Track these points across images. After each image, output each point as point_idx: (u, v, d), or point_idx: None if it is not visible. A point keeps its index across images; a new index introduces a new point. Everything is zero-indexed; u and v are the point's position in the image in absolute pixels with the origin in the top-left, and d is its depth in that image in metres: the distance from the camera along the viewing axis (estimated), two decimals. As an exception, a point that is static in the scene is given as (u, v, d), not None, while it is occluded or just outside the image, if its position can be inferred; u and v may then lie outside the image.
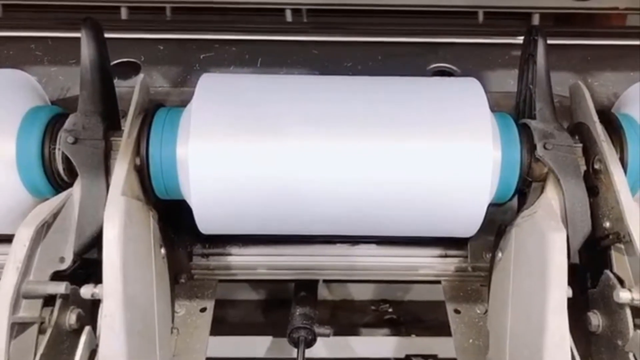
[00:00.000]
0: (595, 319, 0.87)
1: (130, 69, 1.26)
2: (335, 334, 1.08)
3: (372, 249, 1.12)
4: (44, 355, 0.80)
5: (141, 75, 1.03)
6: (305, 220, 0.93)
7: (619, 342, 0.83)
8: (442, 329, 1.14)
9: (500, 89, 1.23)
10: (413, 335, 1.55)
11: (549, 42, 0.96)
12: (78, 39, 0.92)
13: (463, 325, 1.06)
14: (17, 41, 1.29)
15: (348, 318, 1.64)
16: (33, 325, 0.81)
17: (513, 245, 0.93)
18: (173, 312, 1.03)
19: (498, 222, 1.00)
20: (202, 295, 1.09)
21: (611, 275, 0.86)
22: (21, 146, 0.91)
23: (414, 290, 1.65)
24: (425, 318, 1.61)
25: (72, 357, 0.80)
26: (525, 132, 0.93)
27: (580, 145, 0.95)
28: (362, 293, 1.67)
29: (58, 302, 0.83)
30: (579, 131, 0.97)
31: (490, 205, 0.93)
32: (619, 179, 0.88)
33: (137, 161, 0.90)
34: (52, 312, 0.83)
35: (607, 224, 0.89)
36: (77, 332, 0.84)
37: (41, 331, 0.82)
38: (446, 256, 1.12)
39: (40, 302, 0.82)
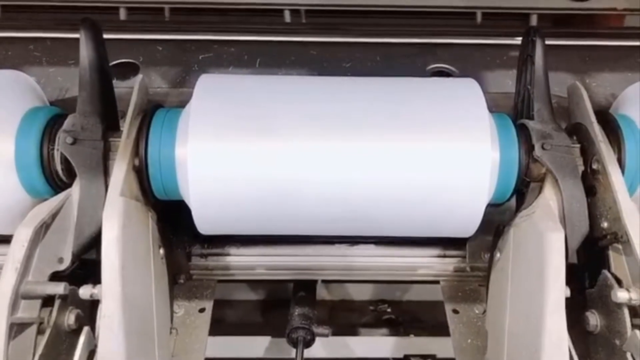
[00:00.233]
0: (593, 319, 0.88)
1: (129, 70, 1.26)
2: (334, 334, 1.08)
3: (371, 249, 1.12)
4: (43, 356, 0.80)
5: (140, 76, 1.03)
6: (304, 220, 0.93)
7: (617, 342, 0.83)
8: (440, 329, 1.15)
9: (498, 89, 1.23)
10: (411, 335, 1.55)
11: (547, 42, 0.96)
12: (77, 39, 0.92)
13: (461, 325, 1.06)
14: (15, 42, 1.29)
15: (347, 318, 1.65)
16: (32, 325, 0.81)
17: (511, 245, 0.93)
18: (172, 312, 1.04)
19: (496, 222, 1.00)
20: (200, 296, 1.09)
21: (609, 275, 0.86)
22: (20, 147, 0.91)
23: (413, 290, 1.65)
24: (423, 318, 1.61)
25: (71, 358, 0.80)
26: (524, 133, 0.93)
27: (578, 145, 0.95)
28: (360, 293, 1.67)
29: (57, 302, 0.83)
30: (577, 131, 0.97)
31: (489, 205, 0.93)
32: (617, 179, 0.88)
33: (136, 162, 0.90)
34: (50, 312, 0.83)
35: (605, 224, 0.89)
36: (76, 333, 0.84)
37: (40, 332, 0.82)
38: (445, 256, 1.12)
39: (39, 302, 0.82)
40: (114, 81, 1.03)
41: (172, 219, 1.02)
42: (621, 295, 0.81)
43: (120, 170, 0.87)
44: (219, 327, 1.12)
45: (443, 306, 1.10)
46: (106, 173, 0.89)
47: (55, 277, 0.86)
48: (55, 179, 0.93)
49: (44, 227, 0.84)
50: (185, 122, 0.89)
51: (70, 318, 0.85)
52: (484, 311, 1.06)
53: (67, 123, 0.90)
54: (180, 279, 1.07)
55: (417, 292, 1.64)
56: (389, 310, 1.66)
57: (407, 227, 0.96)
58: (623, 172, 0.92)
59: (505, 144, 0.92)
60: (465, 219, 0.93)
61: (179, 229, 1.05)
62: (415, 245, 1.12)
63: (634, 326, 0.81)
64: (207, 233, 0.97)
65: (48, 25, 1.34)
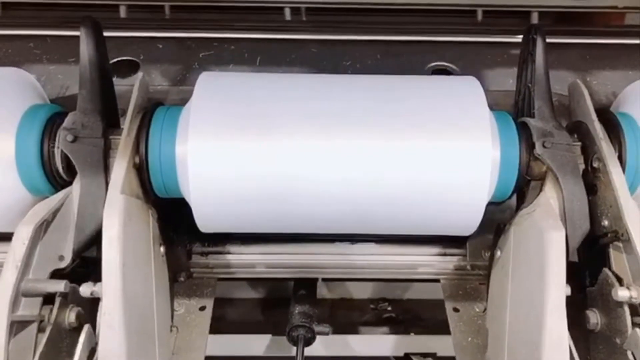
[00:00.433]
0: (594, 317, 0.88)
1: (130, 68, 1.26)
2: (334, 332, 1.08)
3: (371, 247, 1.12)
4: (44, 354, 0.80)
5: (140, 74, 1.03)
6: (305, 218, 0.93)
7: (617, 340, 0.83)
8: (441, 328, 1.15)
9: (499, 87, 1.23)
10: (412, 334, 1.55)
11: (547, 40, 0.96)
12: (77, 37, 0.92)
13: (462, 324, 1.06)
14: (16, 39, 1.29)
15: (347, 316, 1.65)
16: (32, 323, 0.81)
17: (512, 243, 0.93)
18: (172, 310, 1.04)
19: (497, 220, 1.00)
20: (201, 294, 1.09)
21: (609, 273, 0.86)
22: (20, 145, 0.91)
23: (413, 288, 1.65)
24: (424, 316, 1.61)
25: (72, 356, 0.80)
26: (524, 131, 0.93)
27: (579, 143, 0.95)
28: (361, 291, 1.67)
29: (57, 300, 0.83)
30: (578, 130, 0.97)
31: (489, 203, 0.93)
32: (618, 178, 0.88)
33: (137, 159, 0.90)
34: (51, 310, 0.83)
35: (606, 223, 0.89)
36: (77, 331, 0.84)
37: (40, 329, 0.82)
38: (445, 255, 1.12)
39: (39, 300, 0.82)
40: (115, 79, 1.03)
41: (172, 217, 1.02)
42: (622, 293, 0.81)
43: (120, 168, 0.87)
44: (219, 325, 1.12)
45: (443, 304, 1.10)
46: (107, 171, 0.89)
47: (56, 274, 0.86)
48: (56, 177, 0.93)
49: (44, 225, 0.84)
50: (186, 120, 0.89)
51: (70, 316, 0.85)
52: (485, 309, 1.06)
53: (68, 121, 0.90)
54: (180, 277, 1.07)
55: (417, 290, 1.64)
56: (389, 308, 1.66)
57: (408, 226, 0.96)
58: (624, 170, 0.92)
59: (505, 142, 0.92)
60: (466, 217, 0.93)
61: (179, 227, 1.05)
62: (415, 244, 1.12)
63: (634, 324, 0.81)
64: (208, 231, 0.97)
65: (48, 23, 1.34)
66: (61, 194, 0.89)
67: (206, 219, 0.93)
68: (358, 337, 1.54)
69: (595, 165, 0.92)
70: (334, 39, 1.34)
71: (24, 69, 1.05)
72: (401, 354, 1.44)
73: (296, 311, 1.09)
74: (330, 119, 0.90)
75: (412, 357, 1.42)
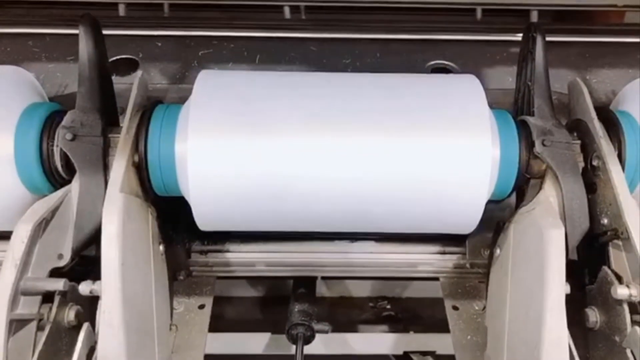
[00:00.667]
0: (593, 315, 0.88)
1: (129, 66, 1.26)
2: (334, 330, 1.08)
3: (371, 245, 1.12)
4: (43, 352, 0.80)
5: (139, 72, 1.03)
6: (304, 217, 0.93)
7: (617, 338, 0.83)
8: (440, 326, 1.15)
9: (498, 85, 1.23)
10: (411, 332, 1.55)
11: (547, 39, 0.96)
12: (76, 35, 0.92)
13: (461, 322, 1.06)
14: (14, 38, 1.29)
15: (346, 315, 1.65)
16: (31, 322, 0.81)
17: (511, 242, 0.93)
18: (171, 308, 1.04)
19: (496, 218, 1.00)
20: (200, 292, 1.09)
21: (609, 271, 0.86)
22: (19, 143, 0.90)
23: (412, 287, 1.65)
24: (423, 315, 1.61)
25: (71, 354, 0.80)
26: (524, 129, 0.93)
27: (579, 142, 0.95)
28: (360, 290, 1.67)
29: (56, 298, 0.83)
30: (578, 128, 0.97)
31: (489, 201, 0.93)
32: (617, 176, 0.88)
33: (136, 158, 0.90)
34: (50, 308, 0.83)
35: (605, 221, 0.89)
36: (76, 329, 0.83)
37: (40, 328, 0.82)
38: (444, 253, 1.12)
39: (38, 298, 0.82)
40: (114, 77, 1.03)
41: (172, 215, 1.02)
42: (621, 291, 0.81)
43: (119, 166, 0.86)
44: (218, 324, 1.12)
45: (443, 303, 1.10)
46: (106, 169, 0.89)
47: (55, 273, 0.86)
48: (55, 175, 0.93)
49: (43, 224, 0.84)
50: (185, 118, 0.89)
51: (70, 314, 0.85)
52: (484, 308, 1.06)
53: (67, 119, 0.90)
54: (180, 276, 1.07)
55: (416, 288, 1.64)
56: (388, 306, 1.67)
57: (407, 224, 0.96)
58: (623, 168, 0.92)
59: (505, 140, 0.92)
60: (466, 215, 0.93)
61: (178, 226, 1.05)
62: (415, 242, 1.12)
63: (633, 322, 0.81)
64: (207, 229, 0.97)
65: (47, 21, 1.34)
66: (60, 192, 0.89)
67: (205, 218, 0.93)
68: (357, 335, 1.54)
69: (594, 163, 0.92)
70: (333, 37, 1.34)
71: (23, 67, 1.05)
72: (400, 352, 1.44)
73: (295, 309, 1.09)
74: (330, 117, 0.90)
75: (412, 355, 1.42)
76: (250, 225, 0.98)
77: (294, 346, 1.05)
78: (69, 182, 0.91)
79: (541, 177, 0.93)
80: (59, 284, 0.82)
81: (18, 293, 0.78)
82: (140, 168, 0.90)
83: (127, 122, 0.91)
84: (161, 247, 0.96)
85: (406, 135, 0.89)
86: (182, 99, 0.95)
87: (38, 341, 0.81)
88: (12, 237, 0.81)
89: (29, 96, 0.98)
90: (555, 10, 1.50)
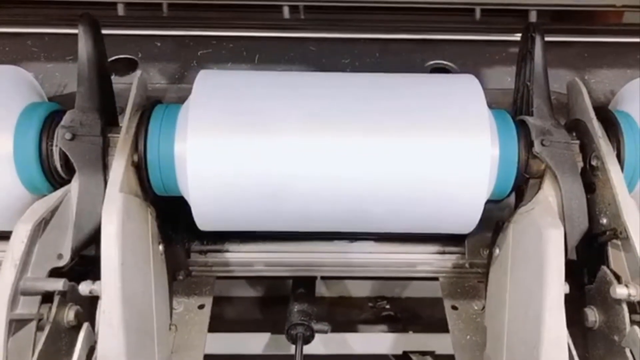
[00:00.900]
0: (592, 315, 0.88)
1: (128, 66, 1.26)
2: (333, 330, 1.08)
3: (370, 245, 1.12)
4: (42, 352, 0.80)
5: (139, 72, 1.02)
6: (303, 217, 0.93)
7: (615, 338, 0.83)
8: (439, 326, 1.15)
9: (497, 85, 1.23)
10: (410, 332, 1.55)
11: (546, 39, 0.96)
12: (75, 35, 0.92)
13: (460, 322, 1.06)
14: (13, 37, 1.29)
15: (346, 315, 1.65)
16: (31, 322, 0.81)
17: (510, 241, 0.93)
18: (171, 308, 1.04)
19: (495, 218, 1.00)
20: (200, 292, 1.09)
21: (608, 271, 0.86)
22: (18, 143, 0.90)
23: (412, 286, 1.65)
24: (422, 314, 1.61)
25: (71, 354, 0.80)
26: (523, 129, 0.93)
27: (578, 141, 0.96)
28: (359, 290, 1.67)
29: (56, 298, 0.83)
30: (576, 128, 0.97)
31: (488, 201, 0.93)
32: (616, 176, 0.88)
33: (135, 158, 0.90)
34: (50, 308, 0.82)
35: (604, 221, 0.89)
36: (76, 329, 0.83)
37: (39, 328, 0.82)
38: (444, 253, 1.12)
39: (38, 298, 0.82)
40: (113, 77, 1.03)
41: (171, 215, 1.02)
42: (620, 291, 0.81)
43: (119, 166, 0.86)
44: (218, 324, 1.12)
45: (442, 303, 1.10)
46: (105, 169, 0.89)
47: (55, 273, 0.86)
48: (54, 175, 0.93)
49: (43, 224, 0.84)
50: (185, 118, 0.89)
51: (69, 314, 0.85)
52: (483, 307, 1.06)
53: (66, 119, 0.90)
54: (179, 276, 1.07)
55: (416, 288, 1.65)
56: (388, 306, 1.67)
57: (406, 224, 0.96)
58: (622, 168, 0.93)
59: (504, 140, 0.92)
60: (465, 215, 0.93)
61: (178, 226, 1.05)
62: (414, 242, 1.12)
63: (632, 322, 0.81)
64: (206, 229, 0.97)
65: (46, 21, 1.34)
66: (60, 192, 0.89)
67: (205, 217, 0.93)
68: (357, 335, 1.54)
69: (593, 163, 0.92)
70: (332, 37, 1.34)
71: (22, 67, 1.05)
72: (400, 352, 1.44)
73: (295, 309, 1.09)
74: (329, 117, 0.90)
75: (411, 355, 1.42)
76: (250, 225, 0.98)
77: (294, 346, 1.05)
78: (68, 182, 0.91)
79: (540, 177, 0.93)
80: (59, 284, 0.82)
81: (18, 293, 0.78)
82: (140, 168, 0.90)
83: (127, 122, 0.91)
84: (161, 247, 0.96)
85: (405, 135, 0.89)
86: (182, 99, 0.95)
87: (38, 341, 0.81)
88: (12, 237, 0.80)
89: (28, 96, 0.97)
90: (554, 10, 1.50)
